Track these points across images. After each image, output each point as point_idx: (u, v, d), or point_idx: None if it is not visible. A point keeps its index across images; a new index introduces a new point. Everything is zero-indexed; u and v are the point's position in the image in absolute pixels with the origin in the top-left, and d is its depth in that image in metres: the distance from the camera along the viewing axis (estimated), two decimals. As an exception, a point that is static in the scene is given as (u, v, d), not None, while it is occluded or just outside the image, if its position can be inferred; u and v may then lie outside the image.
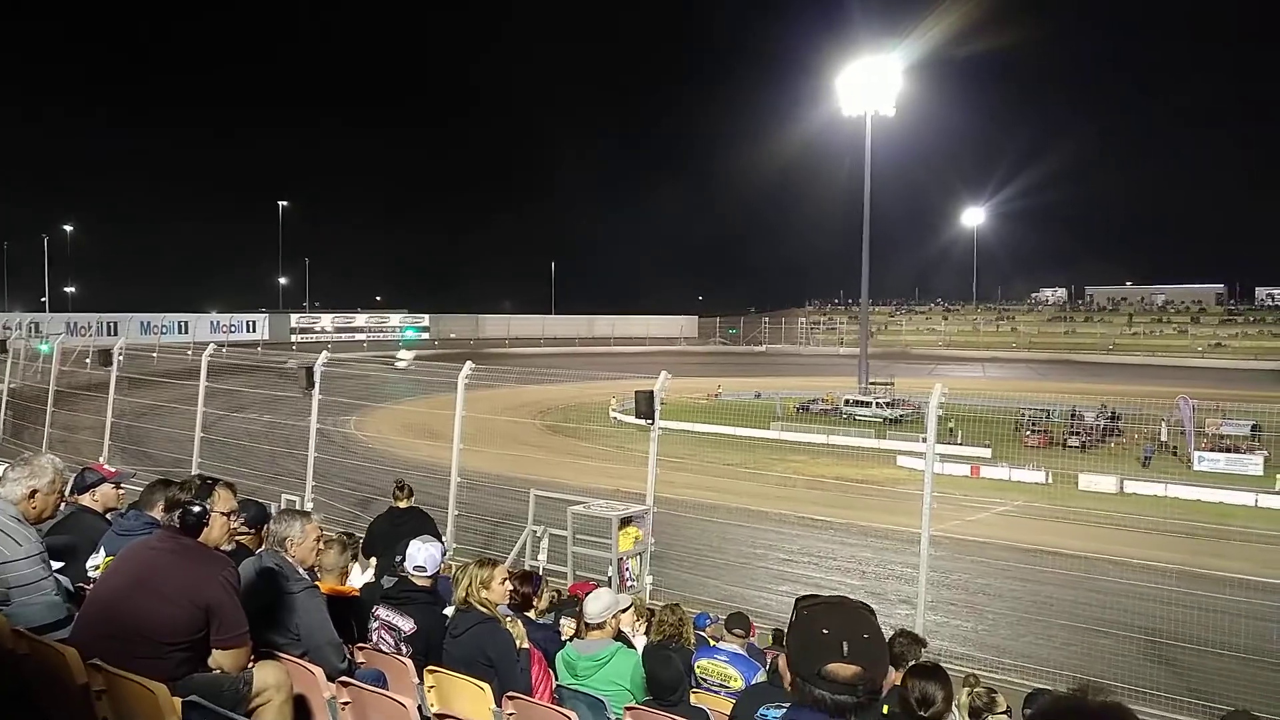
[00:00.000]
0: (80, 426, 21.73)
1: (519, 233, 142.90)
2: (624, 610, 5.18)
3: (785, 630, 2.20)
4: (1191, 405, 33.40)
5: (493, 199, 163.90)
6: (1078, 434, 36.00)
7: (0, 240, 78.02)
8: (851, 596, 2.29)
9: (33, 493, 4.21)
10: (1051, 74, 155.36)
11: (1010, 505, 25.77)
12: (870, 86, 53.99)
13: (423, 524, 8.09)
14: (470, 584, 4.80)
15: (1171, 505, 24.82)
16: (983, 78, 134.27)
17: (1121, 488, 27.58)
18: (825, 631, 2.06)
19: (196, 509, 3.64)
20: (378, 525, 8.50)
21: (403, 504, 8.74)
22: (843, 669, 2.02)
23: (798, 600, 2.20)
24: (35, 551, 3.96)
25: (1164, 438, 35.03)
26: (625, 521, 11.28)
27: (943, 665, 4.98)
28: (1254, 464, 30.68)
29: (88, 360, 22.34)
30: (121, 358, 18.10)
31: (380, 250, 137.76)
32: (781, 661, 2.16)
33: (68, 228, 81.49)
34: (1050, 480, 28.69)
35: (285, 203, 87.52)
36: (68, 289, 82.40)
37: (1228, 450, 32.29)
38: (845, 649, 2.03)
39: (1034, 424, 37.15)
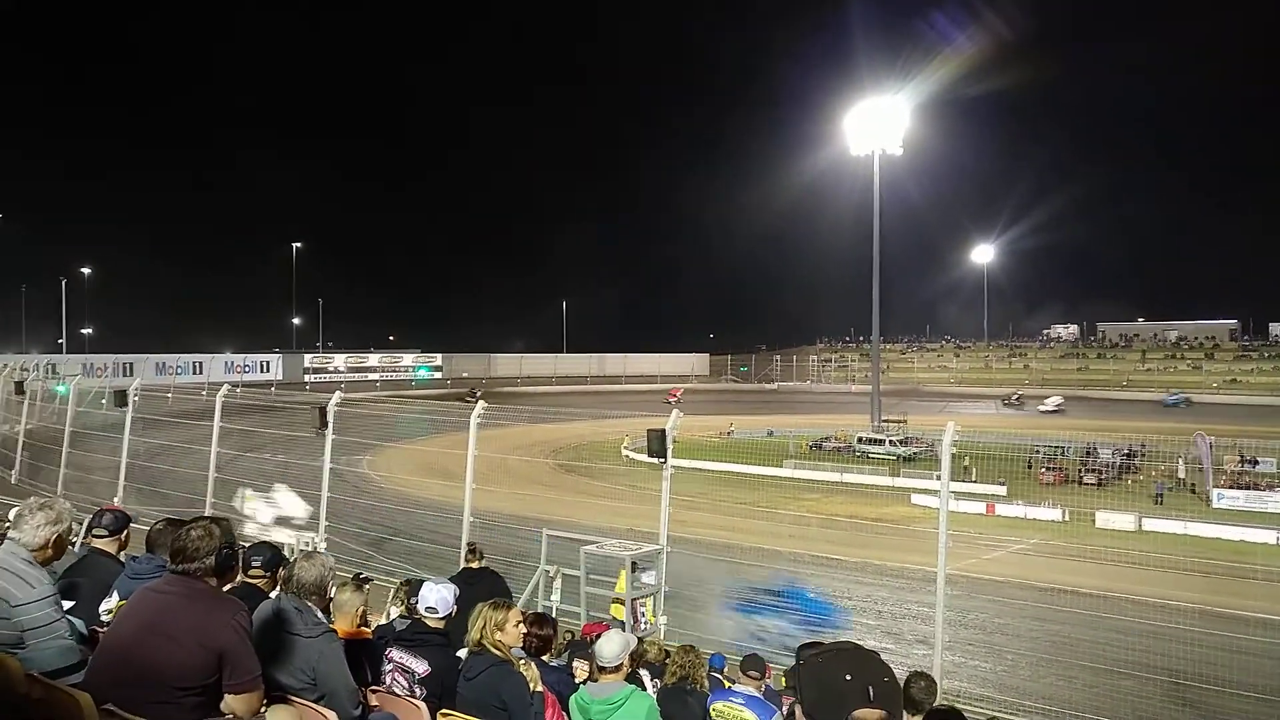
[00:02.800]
0: (95, 467, 21.81)
1: (530, 271, 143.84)
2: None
3: (796, 677, 2.17)
4: (1209, 442, 33.11)
5: (504, 239, 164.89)
6: (1094, 471, 35.69)
7: (19, 283, 78.93)
8: (854, 640, 2.27)
9: (55, 538, 4.23)
10: (1060, 112, 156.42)
11: (1027, 543, 25.52)
12: (878, 126, 54.43)
13: (495, 584, 8.18)
14: (484, 626, 4.77)
15: (1191, 543, 24.51)
16: (991, 116, 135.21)
17: (1140, 525, 27.27)
18: (849, 678, 2.04)
19: (227, 552, 3.67)
20: (455, 584, 8.50)
21: (475, 565, 8.86)
22: (870, 714, 2.00)
23: (801, 647, 2.18)
24: (49, 594, 3.96)
25: (1182, 475, 34.69)
26: (633, 566, 11.19)
27: (961, 708, 4.91)
28: (1275, 501, 30.32)
29: (103, 401, 22.47)
30: (137, 398, 18.22)
31: (393, 290, 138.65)
32: (797, 711, 2.13)
33: (85, 270, 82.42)
34: (1067, 518, 28.42)
35: (299, 244, 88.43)
36: (84, 331, 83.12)
37: (1247, 487, 31.94)
38: (871, 694, 2.01)
39: (1049, 461, 36.87)
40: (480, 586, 7.45)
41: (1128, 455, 36.88)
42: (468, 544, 9.30)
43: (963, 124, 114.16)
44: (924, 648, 14.19)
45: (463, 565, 9.04)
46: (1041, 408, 72.52)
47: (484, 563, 9.08)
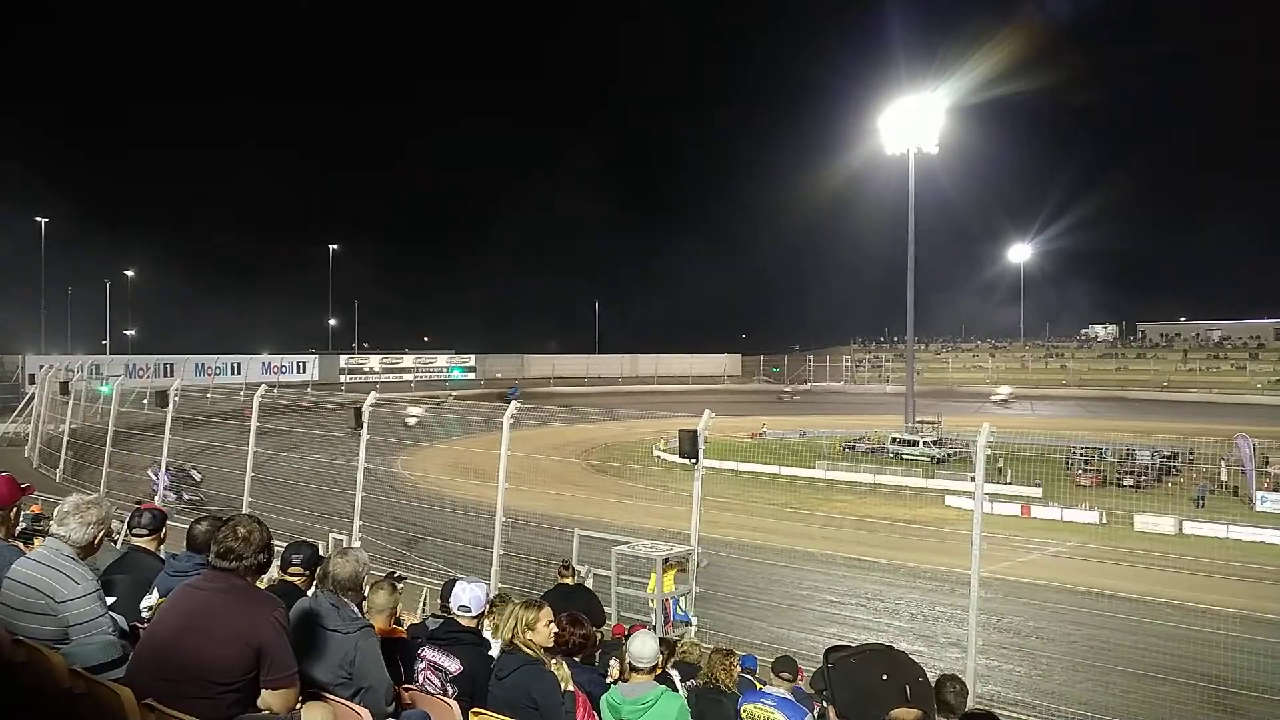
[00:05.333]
0: (137, 465, 22.25)
1: (564, 272, 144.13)
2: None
3: (826, 679, 2.16)
4: (1251, 444, 32.46)
5: (537, 240, 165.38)
6: (1132, 473, 35.08)
7: (65, 286, 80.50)
8: (882, 642, 2.26)
9: (101, 536, 4.34)
10: (1099, 110, 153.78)
11: (1063, 546, 25.19)
12: (912, 125, 53.95)
13: (590, 602, 8.35)
14: (516, 625, 4.80)
15: (1233, 547, 24.06)
16: (1028, 114, 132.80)
17: (1180, 529, 26.79)
18: (885, 677, 2.04)
19: (267, 551, 3.77)
20: (549, 600, 8.66)
21: (569, 580, 9.08)
22: (906, 714, 2.00)
23: (829, 650, 2.17)
24: (93, 590, 4.05)
25: (1224, 477, 34.04)
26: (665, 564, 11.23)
27: (996, 713, 4.88)
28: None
29: (145, 401, 22.91)
30: (177, 399, 18.54)
31: (427, 292, 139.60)
32: (831, 713, 2.13)
33: (128, 273, 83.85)
34: (1104, 521, 28.01)
35: (335, 246, 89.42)
36: (127, 332, 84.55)
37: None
38: (908, 693, 2.01)
39: (1086, 463, 36.32)
40: (575, 603, 7.53)
41: (1168, 457, 36.21)
42: (562, 560, 9.53)
43: (999, 122, 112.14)
44: (957, 650, 14.07)
45: (557, 581, 9.25)
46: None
47: (577, 578, 9.27)
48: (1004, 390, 78.12)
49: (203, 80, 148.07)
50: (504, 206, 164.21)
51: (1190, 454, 35.39)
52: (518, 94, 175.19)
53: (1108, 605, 17.30)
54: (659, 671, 5.30)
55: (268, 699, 3.52)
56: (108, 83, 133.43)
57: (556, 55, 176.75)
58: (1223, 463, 34.02)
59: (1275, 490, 31.37)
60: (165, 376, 53.11)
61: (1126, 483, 34.11)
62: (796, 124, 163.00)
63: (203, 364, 62.64)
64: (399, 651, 5.03)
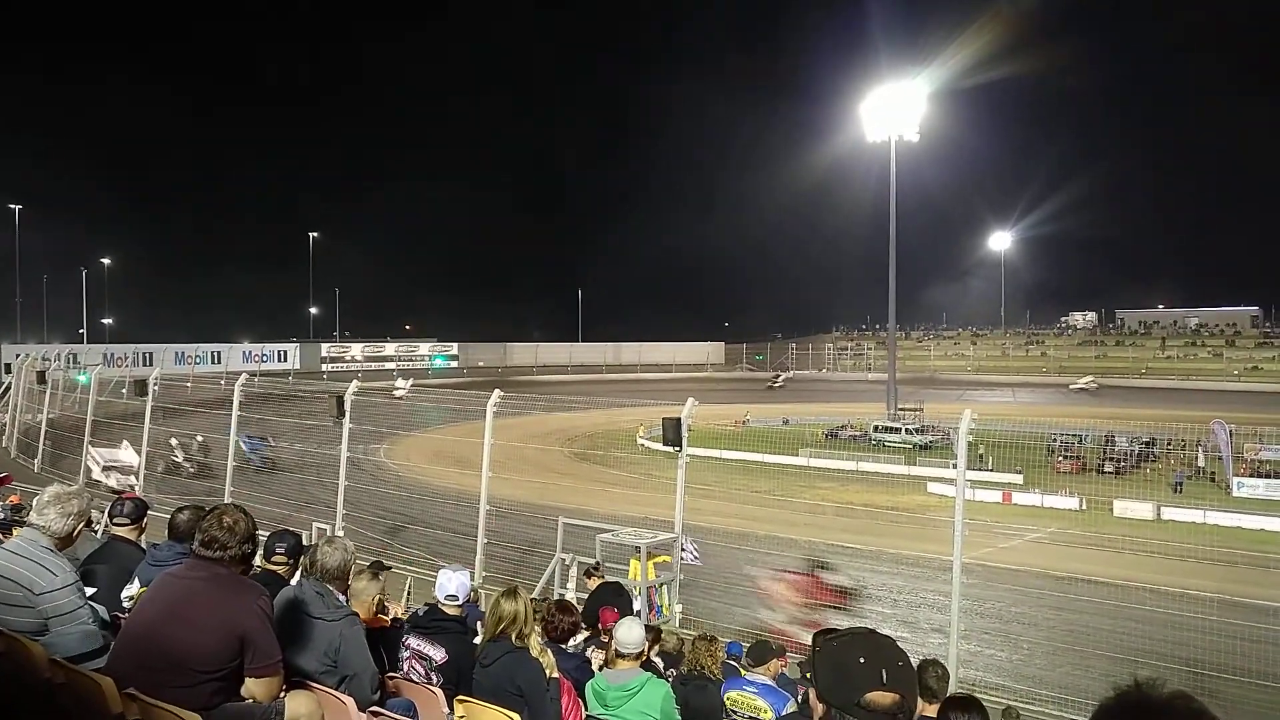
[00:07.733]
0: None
1: (546, 261, 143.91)
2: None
3: (811, 663, 2.17)
4: (1228, 430, 32.82)
5: (519, 227, 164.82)
6: (1112, 459, 35.41)
7: (40, 273, 79.57)
8: (868, 627, 2.27)
9: (80, 527, 4.30)
10: (1079, 97, 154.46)
11: (1043, 532, 25.41)
12: (894, 112, 54.03)
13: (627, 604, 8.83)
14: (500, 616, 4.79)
15: (1210, 532, 24.33)
16: (1009, 102, 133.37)
17: (1159, 514, 27.08)
18: (862, 660, 2.04)
19: (252, 540, 3.76)
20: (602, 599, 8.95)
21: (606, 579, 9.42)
22: (883, 697, 2.00)
23: (817, 635, 2.18)
24: (70, 581, 4.01)
25: (1201, 463, 34.42)
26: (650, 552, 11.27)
27: (978, 696, 4.92)
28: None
29: (124, 390, 22.70)
30: (157, 387, 18.38)
31: (409, 280, 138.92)
32: (811, 695, 2.13)
33: (105, 260, 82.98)
34: (1084, 506, 28.26)
35: (315, 234, 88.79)
36: (105, 321, 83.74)
37: (1267, 476, 31.64)
38: (885, 676, 2.01)
39: (1066, 449, 36.63)
40: (624, 602, 7.93)
41: (1146, 444, 36.58)
42: (595, 562, 9.99)
43: (981, 110, 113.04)
44: (940, 636, 14.17)
45: (593, 586, 9.47)
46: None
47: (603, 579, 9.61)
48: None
49: (184, 68, 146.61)
50: (486, 194, 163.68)
51: (1169, 441, 35.76)
52: (510, 79, 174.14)
53: (1087, 590, 17.45)
54: (644, 658, 5.31)
55: (251, 688, 3.50)
56: (87, 70, 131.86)
57: (549, 47, 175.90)
58: (1200, 449, 34.38)
59: (1252, 476, 31.71)
60: (144, 365, 52.67)
61: (1106, 469, 34.44)
62: (778, 111, 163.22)
63: (182, 353, 62.12)
64: (383, 640, 5.01)
